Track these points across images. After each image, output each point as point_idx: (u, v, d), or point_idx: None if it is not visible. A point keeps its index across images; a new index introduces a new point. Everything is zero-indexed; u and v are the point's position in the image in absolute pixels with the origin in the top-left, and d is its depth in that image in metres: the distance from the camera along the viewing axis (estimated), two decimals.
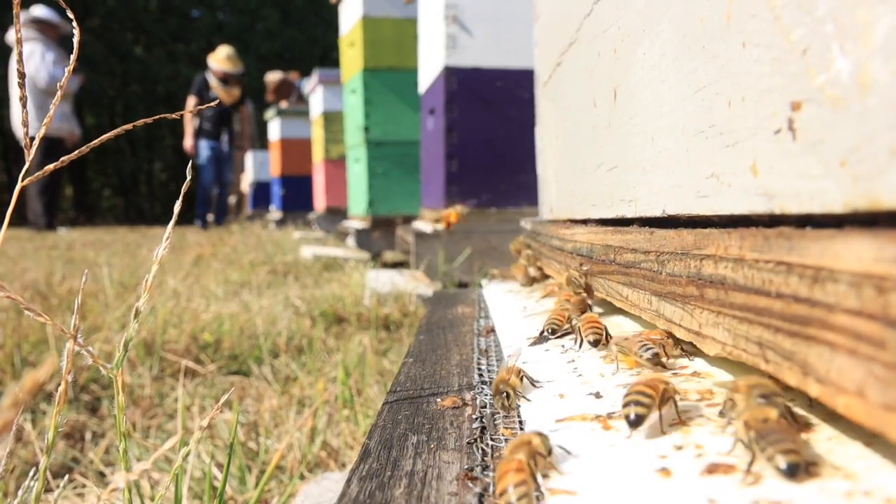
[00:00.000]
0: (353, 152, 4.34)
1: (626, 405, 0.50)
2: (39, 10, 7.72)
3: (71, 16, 0.64)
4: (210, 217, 9.01)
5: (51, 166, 0.63)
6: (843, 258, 0.38)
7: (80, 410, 1.50)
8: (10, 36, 7.59)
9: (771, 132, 0.50)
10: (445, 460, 0.55)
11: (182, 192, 0.70)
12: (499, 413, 0.65)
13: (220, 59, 8.67)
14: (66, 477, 0.78)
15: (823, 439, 0.46)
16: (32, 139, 0.60)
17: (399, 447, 0.59)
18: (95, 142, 0.66)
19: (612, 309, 1.00)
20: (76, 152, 0.64)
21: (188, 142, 8.89)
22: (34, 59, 7.46)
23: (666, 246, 0.68)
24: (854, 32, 0.39)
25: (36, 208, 7.99)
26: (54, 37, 7.81)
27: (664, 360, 0.66)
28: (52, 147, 7.66)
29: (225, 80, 8.65)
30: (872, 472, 0.40)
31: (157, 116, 0.69)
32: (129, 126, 0.68)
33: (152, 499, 1.01)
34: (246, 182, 10.82)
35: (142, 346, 1.81)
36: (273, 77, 9.54)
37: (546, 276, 1.44)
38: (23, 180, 0.60)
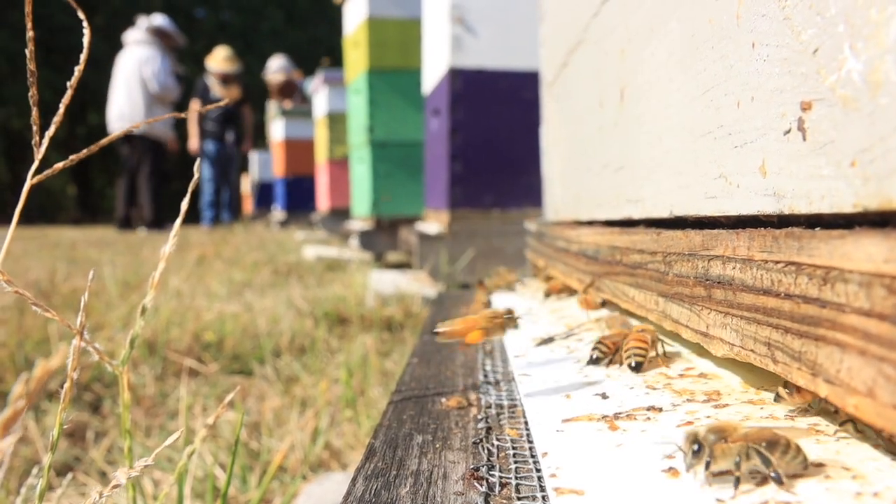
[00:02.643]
0: (357, 153, 4.34)
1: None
2: (159, 20, 8.13)
3: (81, 15, 0.64)
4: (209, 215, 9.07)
5: (59, 165, 0.63)
6: (853, 258, 0.38)
7: (82, 409, 1.50)
8: (130, 36, 7.81)
9: (780, 132, 0.49)
10: (451, 460, 0.55)
11: (189, 191, 0.70)
12: (504, 413, 0.65)
13: (219, 60, 8.80)
14: (69, 475, 0.78)
15: (832, 439, 0.46)
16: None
17: (404, 447, 0.59)
18: (104, 141, 0.66)
19: (618, 310, 0.99)
20: (83, 152, 0.64)
21: (193, 143, 8.94)
22: (152, 64, 7.86)
23: (673, 247, 0.68)
24: (866, 32, 0.39)
25: (147, 210, 8.15)
26: (169, 46, 8.24)
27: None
28: (154, 148, 7.96)
29: (224, 80, 8.77)
30: (882, 474, 0.40)
31: (163, 116, 0.69)
32: (136, 126, 0.68)
33: (155, 498, 1.01)
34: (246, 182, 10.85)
35: (144, 345, 1.81)
36: (276, 77, 9.55)
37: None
38: (31, 178, 0.60)
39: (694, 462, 0.41)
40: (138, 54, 7.87)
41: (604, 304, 1.02)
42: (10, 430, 0.33)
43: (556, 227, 1.36)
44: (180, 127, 9.88)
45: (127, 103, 7.83)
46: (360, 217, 4.34)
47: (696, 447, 0.41)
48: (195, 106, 8.39)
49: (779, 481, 0.39)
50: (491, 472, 0.51)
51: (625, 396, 0.61)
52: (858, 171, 0.40)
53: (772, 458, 0.40)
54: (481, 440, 0.58)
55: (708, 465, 0.41)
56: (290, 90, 9.40)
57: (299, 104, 8.91)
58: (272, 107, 9.56)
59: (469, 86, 2.73)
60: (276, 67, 9.44)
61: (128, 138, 7.77)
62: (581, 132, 1.19)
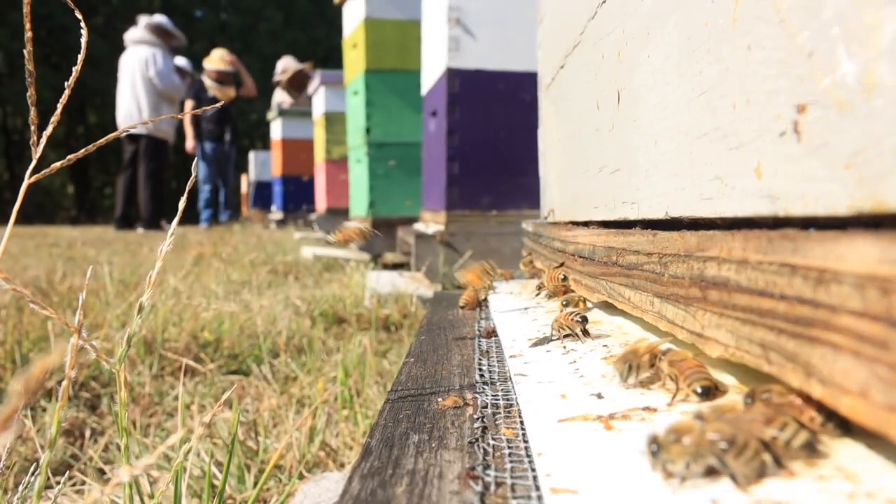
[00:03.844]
0: (355, 153, 4.35)
1: None
2: (159, 18, 8.20)
3: (79, 15, 0.64)
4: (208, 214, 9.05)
5: (57, 164, 0.63)
6: (847, 260, 0.38)
7: (79, 408, 1.50)
8: (130, 36, 7.85)
9: (776, 134, 0.50)
10: (447, 459, 0.55)
11: (186, 190, 0.70)
12: (500, 413, 0.65)
13: (215, 59, 8.83)
14: (66, 474, 0.78)
15: (825, 440, 0.46)
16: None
17: (400, 446, 0.59)
18: (101, 141, 0.66)
19: (613, 310, 1.00)
20: (81, 151, 0.64)
21: (190, 143, 8.93)
22: (157, 63, 7.90)
23: (669, 248, 0.68)
24: (860, 35, 0.39)
25: (145, 209, 8.11)
26: (170, 45, 8.25)
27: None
28: (158, 148, 7.99)
29: (220, 79, 8.77)
30: (875, 474, 0.40)
31: (162, 116, 0.69)
32: (133, 126, 0.68)
33: (152, 496, 1.01)
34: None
35: (142, 344, 1.81)
36: (288, 70, 9.47)
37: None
38: (30, 177, 0.60)
39: (655, 463, 0.43)
40: (140, 54, 7.91)
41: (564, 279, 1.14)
42: (7, 428, 0.33)
43: (552, 228, 1.36)
44: (178, 127, 9.85)
45: (133, 104, 7.90)
46: (358, 217, 4.34)
47: (654, 448, 0.42)
48: (189, 106, 8.40)
49: (735, 480, 0.40)
50: (486, 472, 0.51)
51: (620, 397, 0.61)
52: (853, 173, 0.40)
53: (727, 458, 0.40)
54: (477, 440, 0.58)
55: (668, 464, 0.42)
56: (301, 81, 9.30)
57: (307, 103, 8.87)
58: (273, 106, 9.51)
59: (467, 87, 2.73)
60: (283, 66, 9.40)
61: (132, 137, 7.80)
62: (578, 134, 1.19)
